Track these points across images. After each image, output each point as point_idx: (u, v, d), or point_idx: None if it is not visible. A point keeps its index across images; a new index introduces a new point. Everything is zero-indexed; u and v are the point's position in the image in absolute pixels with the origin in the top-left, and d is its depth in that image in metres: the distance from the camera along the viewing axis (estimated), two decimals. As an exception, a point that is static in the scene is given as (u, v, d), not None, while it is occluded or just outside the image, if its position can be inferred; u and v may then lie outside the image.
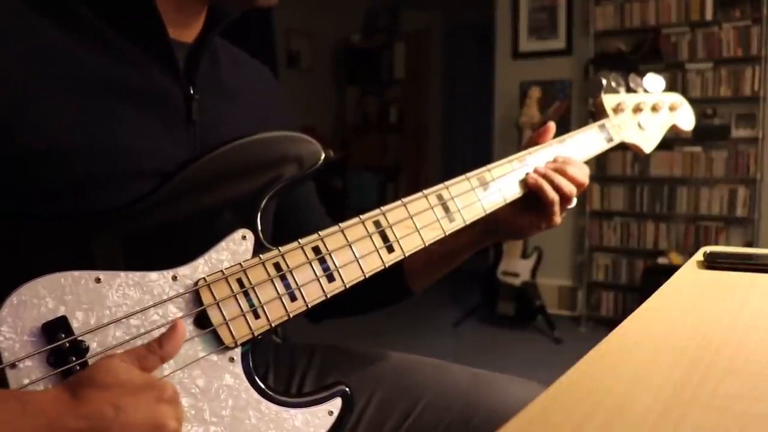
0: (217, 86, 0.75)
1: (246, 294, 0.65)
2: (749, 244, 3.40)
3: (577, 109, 3.82)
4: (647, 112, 1.02)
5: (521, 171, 0.86)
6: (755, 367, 0.57)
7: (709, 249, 1.00)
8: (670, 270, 1.03)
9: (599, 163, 3.73)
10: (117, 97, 0.64)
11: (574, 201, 0.88)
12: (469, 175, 0.82)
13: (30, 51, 0.61)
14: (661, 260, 3.55)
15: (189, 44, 0.72)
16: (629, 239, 3.74)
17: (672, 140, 3.44)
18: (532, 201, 0.86)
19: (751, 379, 0.53)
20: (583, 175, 0.88)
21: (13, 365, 0.55)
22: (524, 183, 0.86)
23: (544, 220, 0.87)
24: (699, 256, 0.99)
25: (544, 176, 0.85)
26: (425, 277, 0.92)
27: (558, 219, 0.88)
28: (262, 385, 0.67)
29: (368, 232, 0.72)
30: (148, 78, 0.67)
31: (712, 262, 0.95)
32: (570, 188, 0.86)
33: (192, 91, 0.70)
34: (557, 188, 0.85)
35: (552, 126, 0.92)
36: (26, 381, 0.55)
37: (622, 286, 3.78)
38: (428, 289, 0.95)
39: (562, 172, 0.86)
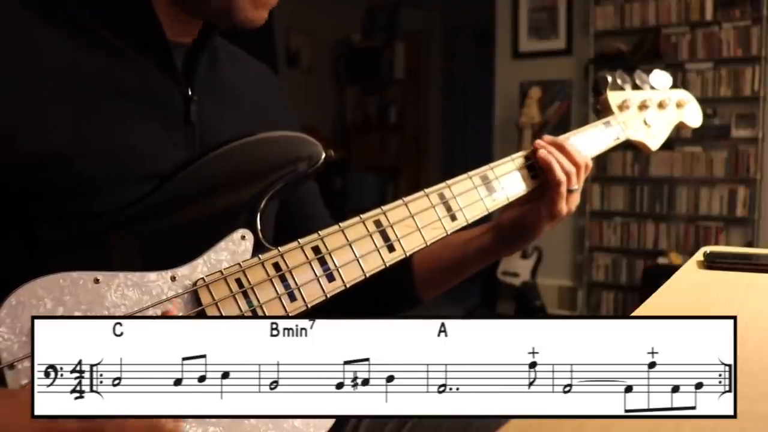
0: (216, 87, 0.75)
1: (245, 294, 0.65)
2: (749, 244, 3.40)
3: (577, 109, 3.82)
4: (653, 109, 1.02)
5: (525, 170, 0.86)
6: (755, 367, 0.57)
7: (709, 249, 1.00)
8: (670, 270, 1.03)
9: (599, 164, 3.72)
10: (115, 99, 0.64)
11: (577, 197, 0.87)
12: (471, 173, 0.82)
13: (27, 54, 0.61)
14: (661, 260, 3.55)
15: (187, 45, 0.72)
16: (629, 239, 3.74)
17: (672, 140, 3.44)
18: (535, 194, 0.86)
19: (751, 379, 0.53)
20: (581, 156, 0.87)
21: (11, 366, 0.55)
22: (530, 168, 0.86)
23: (547, 205, 0.85)
24: (699, 256, 0.99)
25: (545, 149, 0.85)
26: (436, 286, 0.92)
27: (563, 206, 0.86)
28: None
29: (369, 231, 0.72)
30: (147, 80, 0.67)
31: (712, 262, 0.95)
32: (569, 166, 0.85)
33: (190, 93, 0.70)
34: (561, 165, 0.84)
35: None
36: (24, 381, 0.55)
37: (622, 286, 3.78)
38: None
39: (560, 148, 0.86)
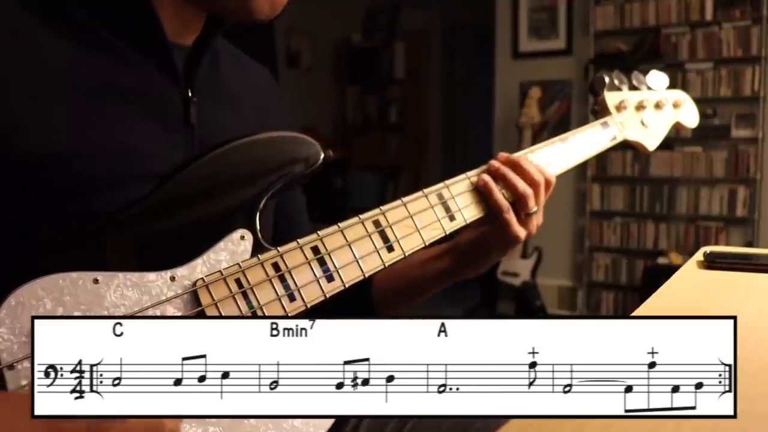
0: (216, 89, 0.75)
1: (245, 295, 0.65)
2: (749, 244, 3.40)
3: (577, 109, 3.82)
4: (650, 110, 1.02)
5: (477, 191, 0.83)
6: (755, 367, 0.57)
7: (709, 249, 1.00)
8: (670, 270, 1.03)
9: (599, 163, 3.73)
10: (114, 99, 0.64)
11: (537, 218, 0.83)
12: (469, 174, 0.82)
13: (27, 54, 0.61)
14: (661, 260, 3.55)
15: (188, 47, 0.72)
16: (629, 239, 3.74)
17: (672, 140, 3.44)
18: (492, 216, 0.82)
19: (751, 379, 0.53)
20: (539, 175, 0.82)
21: (11, 366, 0.55)
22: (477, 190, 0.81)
23: (499, 230, 0.81)
24: (699, 256, 0.99)
25: (496, 172, 0.81)
26: (390, 307, 0.91)
27: (516, 230, 0.81)
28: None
29: (368, 231, 0.72)
30: (146, 81, 0.67)
31: (712, 262, 0.95)
32: (523, 187, 0.80)
33: (190, 94, 0.70)
34: (510, 187, 0.80)
35: None
36: (24, 382, 0.55)
37: (622, 286, 3.78)
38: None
39: (515, 166, 0.81)
